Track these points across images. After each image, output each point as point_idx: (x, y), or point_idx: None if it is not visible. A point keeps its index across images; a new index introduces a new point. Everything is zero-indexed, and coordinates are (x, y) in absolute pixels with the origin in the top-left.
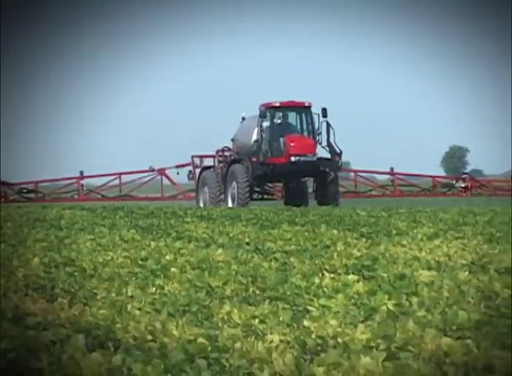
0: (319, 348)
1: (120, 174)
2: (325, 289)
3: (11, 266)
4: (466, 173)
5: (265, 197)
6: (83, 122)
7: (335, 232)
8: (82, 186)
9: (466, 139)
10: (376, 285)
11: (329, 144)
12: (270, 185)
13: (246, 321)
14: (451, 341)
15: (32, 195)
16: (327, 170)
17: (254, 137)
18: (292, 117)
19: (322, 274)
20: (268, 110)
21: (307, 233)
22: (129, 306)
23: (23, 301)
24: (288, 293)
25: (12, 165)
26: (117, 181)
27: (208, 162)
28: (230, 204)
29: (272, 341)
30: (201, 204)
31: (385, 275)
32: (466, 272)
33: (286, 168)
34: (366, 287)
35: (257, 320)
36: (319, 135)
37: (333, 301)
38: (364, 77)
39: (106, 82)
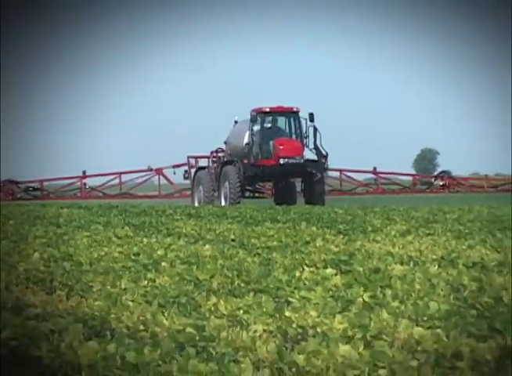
0: (299, 337)
1: (121, 173)
2: (305, 282)
3: (12, 261)
4: (444, 171)
5: (257, 195)
6: (83, 123)
7: (314, 229)
8: (85, 184)
9: (466, 139)
10: (353, 278)
11: (315, 147)
12: (261, 184)
13: (231, 312)
14: (422, 331)
15: (38, 193)
16: (314, 171)
17: (246, 140)
18: (281, 122)
19: (303, 268)
20: (258, 114)
21: (288, 230)
22: (123, 298)
23: (23, 293)
24: (271, 286)
25: (13, 165)
26: (117, 180)
27: (203, 163)
28: (223, 203)
29: (255, 331)
30: (196, 202)
31: (361, 269)
32: (437, 267)
33: (276, 169)
34: (343, 281)
35: (241, 311)
36: (306, 138)
37: (313, 293)
38: (364, 78)
39: (107, 83)
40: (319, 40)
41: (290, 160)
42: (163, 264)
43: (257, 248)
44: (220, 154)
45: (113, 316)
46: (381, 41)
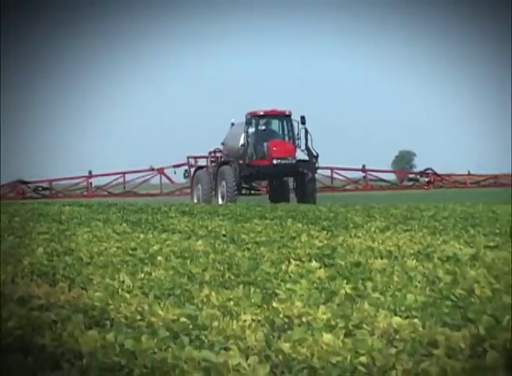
0: (286, 326)
1: (124, 173)
2: (291, 275)
3: (18, 255)
4: (429, 168)
5: (253, 192)
6: (84, 124)
7: (300, 225)
8: (91, 184)
9: (465, 139)
10: (336, 271)
11: (307, 148)
12: (257, 182)
13: (222, 303)
14: (400, 320)
15: (46, 192)
16: (305, 171)
17: (241, 142)
18: (275, 124)
19: (289, 262)
20: (253, 117)
21: (275, 227)
22: (121, 290)
23: (28, 285)
24: (259, 278)
25: (13, 166)
26: (121, 179)
27: (202, 162)
28: (220, 201)
29: (245, 321)
30: (195, 200)
31: (343, 263)
32: (414, 261)
33: (269, 169)
34: (327, 273)
35: (232, 302)
36: (298, 140)
37: (298, 285)
38: (365, 79)
39: (108, 84)
40: (322, 41)
41: (283, 161)
42: (158, 258)
43: (247, 243)
44: (218, 155)
45: (112, 306)
46: (378, 42)
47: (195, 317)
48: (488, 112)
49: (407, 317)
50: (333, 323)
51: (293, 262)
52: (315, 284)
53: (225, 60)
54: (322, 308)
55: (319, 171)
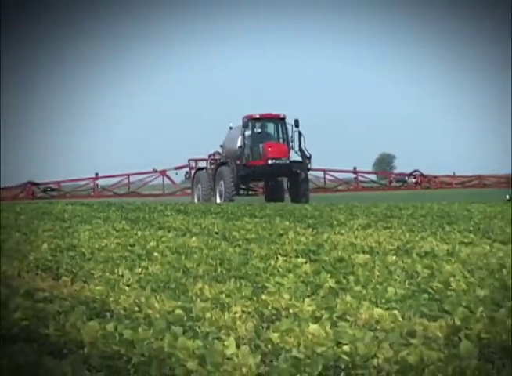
0: (274, 317)
1: (129, 175)
2: (279, 269)
3: (24, 251)
4: (416, 170)
5: (250, 192)
6: (84, 124)
7: (287, 223)
8: (97, 185)
9: (465, 139)
10: (320, 266)
11: (300, 149)
12: (255, 183)
13: (215, 296)
14: (381, 312)
15: (55, 193)
16: (299, 171)
17: (239, 143)
18: (270, 127)
19: (277, 257)
20: (249, 121)
21: (264, 224)
22: (120, 283)
23: (33, 279)
24: (249, 273)
25: (13, 167)
26: (125, 181)
27: (202, 164)
28: (218, 200)
29: (236, 312)
30: (195, 200)
31: (327, 258)
32: (393, 256)
33: (265, 169)
34: (312, 268)
35: (224, 295)
36: (292, 142)
37: (286, 279)
38: (365, 80)
39: (109, 84)
40: (323, 42)
41: (278, 161)
42: (155, 254)
43: (238, 240)
44: (217, 157)
45: (111, 299)
46: (377, 43)
47: (189, 309)
48: (488, 112)
49: (387, 309)
50: (318, 314)
51: (280, 257)
52: (301, 278)
53: (228, 61)
54: (307, 300)
55: (312, 172)
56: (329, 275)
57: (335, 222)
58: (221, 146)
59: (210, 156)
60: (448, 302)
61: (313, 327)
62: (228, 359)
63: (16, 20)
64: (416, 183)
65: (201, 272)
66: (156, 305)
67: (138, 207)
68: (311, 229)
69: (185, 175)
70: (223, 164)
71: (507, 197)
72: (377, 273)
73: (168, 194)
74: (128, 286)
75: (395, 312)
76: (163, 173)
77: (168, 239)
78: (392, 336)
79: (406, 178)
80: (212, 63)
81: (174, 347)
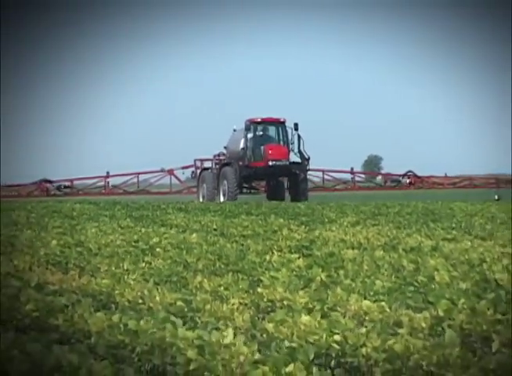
0: (269, 308)
1: (138, 173)
2: (273, 264)
3: (35, 247)
4: (410, 171)
5: (252, 192)
6: (84, 125)
7: (281, 220)
8: (108, 183)
9: (464, 139)
10: (313, 261)
11: (299, 151)
12: (257, 182)
13: (214, 288)
14: (369, 303)
15: (68, 190)
16: (298, 172)
17: (241, 145)
18: (271, 130)
19: (272, 253)
20: (251, 124)
21: (260, 222)
22: (125, 277)
23: (44, 273)
24: (246, 267)
25: (14, 167)
26: (135, 179)
27: (207, 164)
28: (222, 198)
29: (233, 304)
30: (201, 198)
31: (319, 253)
32: (381, 251)
33: (266, 170)
34: (305, 263)
35: (222, 288)
36: (291, 144)
37: (280, 273)
38: (366, 81)
39: (110, 85)
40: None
41: (278, 163)
42: (157, 249)
43: (235, 236)
44: (221, 157)
45: (117, 291)
46: (377, 43)
47: (190, 301)
48: (488, 113)
49: (375, 301)
50: (310, 306)
51: (275, 252)
52: (294, 272)
53: (228, 61)
54: (300, 293)
55: (311, 172)
56: (320, 269)
57: (326, 220)
58: (225, 148)
59: (215, 156)
60: (432, 295)
61: (306, 318)
62: (225, 347)
63: (16, 21)
64: (409, 183)
65: (201, 266)
66: (159, 297)
67: (142, 205)
68: (303, 226)
69: (192, 175)
70: (227, 164)
71: (496, 197)
72: (366, 268)
73: (175, 192)
74: (132, 279)
75: (383, 303)
76: (170, 172)
77: (170, 235)
78: (380, 326)
79: (400, 178)
80: (212, 63)
81: (176, 337)
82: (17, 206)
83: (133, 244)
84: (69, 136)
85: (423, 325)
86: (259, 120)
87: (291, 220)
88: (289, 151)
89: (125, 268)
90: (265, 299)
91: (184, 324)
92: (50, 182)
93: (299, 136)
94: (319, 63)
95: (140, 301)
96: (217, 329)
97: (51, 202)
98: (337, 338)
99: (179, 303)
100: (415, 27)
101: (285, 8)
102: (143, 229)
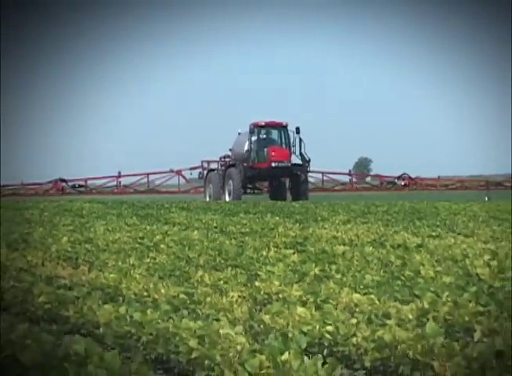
0: (266, 301)
1: (148, 174)
2: (270, 259)
3: (47, 243)
4: (405, 173)
5: (256, 192)
6: (85, 125)
7: (277, 218)
8: (120, 182)
9: (464, 139)
10: (307, 256)
11: (301, 154)
12: (261, 183)
13: (214, 282)
14: (360, 296)
15: (82, 189)
16: (299, 173)
17: (246, 148)
18: (274, 133)
19: (268, 248)
20: (255, 127)
21: (257, 220)
22: (131, 272)
23: (55, 268)
24: (244, 262)
25: (14, 168)
26: (145, 179)
27: (214, 165)
28: (227, 198)
29: (232, 297)
30: (207, 198)
31: (312, 249)
32: (370, 247)
33: (269, 171)
34: (299, 258)
35: (222, 282)
36: (293, 146)
37: (276, 267)
38: (365, 81)
39: (110, 85)
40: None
41: (280, 164)
42: (161, 246)
43: (234, 233)
44: (227, 159)
45: (123, 285)
46: (374, 43)
47: (191, 294)
48: (488, 113)
49: (365, 294)
50: (304, 298)
51: (272, 248)
52: (289, 267)
53: (228, 61)
54: (295, 286)
55: (312, 174)
56: (314, 264)
57: (319, 218)
58: (230, 150)
59: (221, 158)
60: (418, 288)
61: (300, 310)
62: (225, 337)
63: (17, 21)
64: (404, 185)
65: (202, 261)
66: (163, 290)
67: (147, 204)
68: (298, 224)
69: (199, 175)
70: (232, 165)
71: (486, 198)
72: (356, 263)
73: (183, 192)
74: (138, 274)
75: (372, 296)
76: (179, 173)
77: (173, 232)
78: (369, 318)
79: (396, 180)
80: (213, 64)
81: (178, 327)
82: (30, 205)
83: (139, 240)
84: (69, 136)
85: (410, 316)
86: (263, 124)
87: (287, 218)
88: (291, 153)
89: (131, 263)
90: (262, 292)
91: (187, 315)
92: (65, 181)
93: (300, 139)
94: (319, 64)
95: (145, 294)
96: (217, 320)
97: (62, 201)
98: (329, 328)
99: (182, 296)
100: (415, 27)
101: (289, 8)
102: (148, 227)
